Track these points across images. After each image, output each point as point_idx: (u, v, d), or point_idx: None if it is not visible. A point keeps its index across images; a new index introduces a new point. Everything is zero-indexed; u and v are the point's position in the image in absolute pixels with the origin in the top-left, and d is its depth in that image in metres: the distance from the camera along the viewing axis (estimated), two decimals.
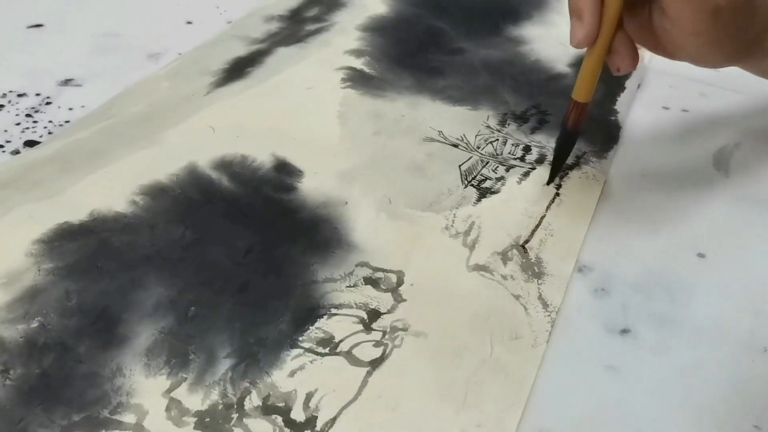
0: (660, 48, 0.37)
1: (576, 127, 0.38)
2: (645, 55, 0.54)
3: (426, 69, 0.49)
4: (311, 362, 0.29)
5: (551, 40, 0.54)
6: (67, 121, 0.43)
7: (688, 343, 0.31)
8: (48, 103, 0.45)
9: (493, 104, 0.46)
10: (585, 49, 0.36)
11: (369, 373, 0.29)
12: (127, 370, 0.28)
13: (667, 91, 0.49)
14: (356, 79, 0.47)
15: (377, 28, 0.53)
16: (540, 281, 0.34)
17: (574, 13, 0.35)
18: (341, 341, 0.30)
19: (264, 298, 0.31)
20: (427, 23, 0.54)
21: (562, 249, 0.36)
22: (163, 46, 0.52)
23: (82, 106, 0.45)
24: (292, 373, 0.29)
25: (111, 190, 0.35)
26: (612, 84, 0.49)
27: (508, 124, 0.44)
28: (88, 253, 0.32)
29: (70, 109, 0.44)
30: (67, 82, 0.47)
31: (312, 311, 0.31)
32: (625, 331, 0.32)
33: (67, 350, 0.28)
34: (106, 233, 0.33)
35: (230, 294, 0.31)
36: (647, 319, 0.32)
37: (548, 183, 0.39)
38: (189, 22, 0.56)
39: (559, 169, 0.40)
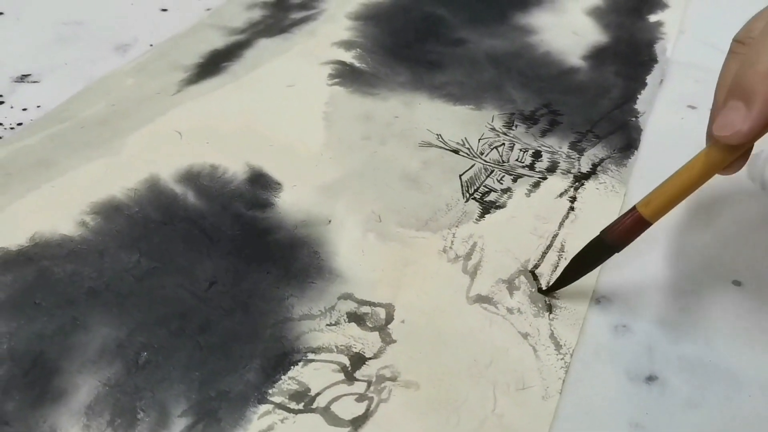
0: None
1: (622, 241, 0.28)
2: (667, 45, 0.49)
3: (423, 62, 0.44)
4: (282, 421, 0.25)
5: (563, 29, 0.49)
6: (19, 124, 0.38)
7: (726, 394, 0.27)
8: (0, 103, 0.40)
9: (498, 103, 0.41)
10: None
11: None
12: None
13: (693, 88, 0.44)
14: (345, 75, 0.42)
15: (370, 16, 0.48)
16: (552, 315, 0.29)
17: (742, 94, 0.24)
18: (318, 394, 0.25)
19: (228, 341, 0.27)
20: (425, 10, 0.49)
21: None
22: (132, 36, 0.47)
23: (38, 106, 0.40)
24: None
25: (57, 209, 0.31)
26: (631, 79, 0.44)
27: (516, 126, 0.39)
28: (24, 287, 0.28)
29: (24, 109, 0.40)
30: (23, 78, 0.42)
31: (284, 357, 0.26)
32: (651, 379, 0.27)
33: None
34: (48, 261, 0.29)
35: (189, 335, 0.27)
36: (677, 364, 0.28)
37: (545, 291, 0.30)
38: (164, 9, 0.50)
39: (566, 284, 0.30)
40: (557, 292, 0.30)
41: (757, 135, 0.24)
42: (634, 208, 0.27)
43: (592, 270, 0.29)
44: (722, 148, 0.25)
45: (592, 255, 0.29)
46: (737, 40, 0.28)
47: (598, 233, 0.28)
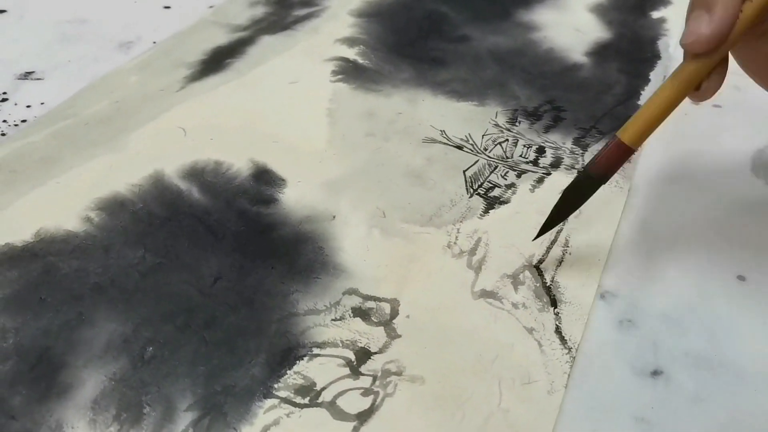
0: None
1: (607, 171, 0.28)
2: (669, 42, 0.49)
3: (427, 59, 0.44)
4: (288, 415, 0.25)
5: (566, 26, 0.49)
6: (23, 121, 0.39)
7: (731, 389, 0.27)
8: (4, 100, 0.40)
9: (501, 99, 0.41)
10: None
11: (355, 429, 0.24)
12: (69, 427, 0.24)
13: None
14: (348, 72, 0.42)
15: (373, 14, 0.48)
16: (557, 310, 0.29)
17: (703, 2, 0.25)
18: (324, 389, 0.25)
19: (234, 336, 0.27)
20: (428, 7, 0.49)
21: (582, 270, 0.31)
22: (136, 34, 0.47)
23: (42, 103, 0.40)
24: (265, 430, 0.24)
25: (62, 205, 0.31)
26: (634, 76, 0.44)
27: (519, 122, 0.39)
28: (30, 282, 0.28)
29: (28, 106, 0.40)
30: (26, 75, 0.42)
31: (290, 352, 0.26)
32: (656, 373, 0.27)
33: None
34: (53, 257, 0.29)
35: (194, 330, 0.27)
36: (682, 359, 0.28)
37: (535, 238, 0.30)
38: (167, 7, 0.51)
39: (556, 224, 0.30)
40: (562, 287, 0.30)
41: (720, 40, 0.25)
42: (614, 136, 0.28)
43: (581, 206, 0.29)
44: (692, 61, 0.26)
45: (579, 190, 0.29)
46: None
47: (583, 171, 0.29)
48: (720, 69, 0.27)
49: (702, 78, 0.26)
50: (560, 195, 0.29)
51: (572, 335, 0.28)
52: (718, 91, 0.27)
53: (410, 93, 0.41)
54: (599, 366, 0.27)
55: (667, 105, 0.27)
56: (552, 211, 0.29)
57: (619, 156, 0.28)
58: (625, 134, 0.27)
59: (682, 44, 0.26)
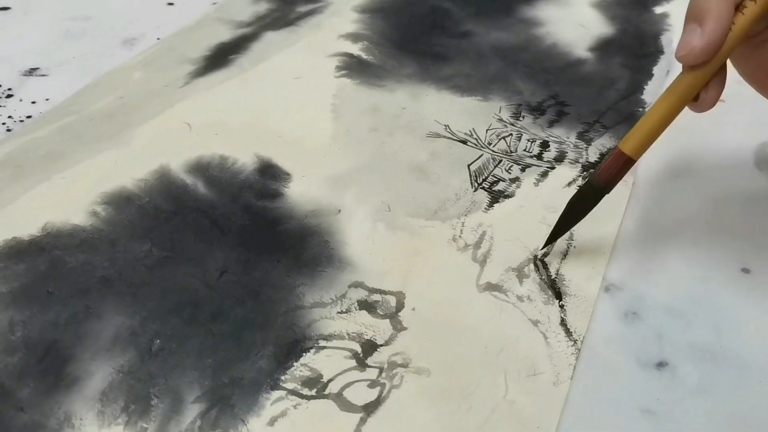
0: None
1: (609, 182, 0.29)
2: (672, 37, 0.49)
3: (430, 55, 0.44)
4: (295, 407, 0.25)
5: (569, 21, 0.49)
6: (29, 116, 0.39)
7: (735, 380, 0.27)
8: (9, 96, 0.40)
9: (505, 94, 0.41)
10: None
11: (362, 420, 0.24)
12: (77, 419, 0.24)
13: None
14: (352, 67, 0.42)
15: (376, 9, 0.48)
16: (562, 303, 0.29)
17: (695, 16, 0.26)
18: (330, 381, 0.26)
19: (240, 329, 0.27)
20: (431, 3, 0.49)
21: (587, 264, 0.31)
22: (139, 31, 0.47)
23: (47, 99, 0.40)
24: (272, 421, 0.24)
25: (68, 199, 0.31)
26: (637, 71, 0.44)
27: (523, 117, 0.39)
28: (37, 276, 0.28)
29: (33, 102, 0.40)
30: (31, 71, 0.43)
31: (296, 344, 0.27)
32: (661, 365, 0.27)
33: (6, 395, 0.24)
34: (60, 251, 0.29)
35: (201, 323, 0.27)
36: (687, 351, 0.28)
37: (543, 247, 0.31)
38: (170, 3, 0.51)
39: (562, 233, 0.30)
40: (567, 280, 0.30)
41: (712, 53, 0.26)
42: (616, 147, 0.29)
43: (585, 216, 0.30)
44: (688, 73, 0.27)
45: (584, 200, 0.30)
46: None
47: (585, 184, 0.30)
48: (717, 80, 0.27)
49: (699, 88, 0.27)
50: (565, 206, 0.30)
51: (577, 328, 0.28)
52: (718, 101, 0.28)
53: (414, 88, 0.41)
54: (604, 358, 0.27)
55: (666, 116, 0.28)
56: (557, 221, 0.30)
57: (620, 166, 0.29)
58: (626, 145, 0.28)
59: (677, 56, 0.27)
